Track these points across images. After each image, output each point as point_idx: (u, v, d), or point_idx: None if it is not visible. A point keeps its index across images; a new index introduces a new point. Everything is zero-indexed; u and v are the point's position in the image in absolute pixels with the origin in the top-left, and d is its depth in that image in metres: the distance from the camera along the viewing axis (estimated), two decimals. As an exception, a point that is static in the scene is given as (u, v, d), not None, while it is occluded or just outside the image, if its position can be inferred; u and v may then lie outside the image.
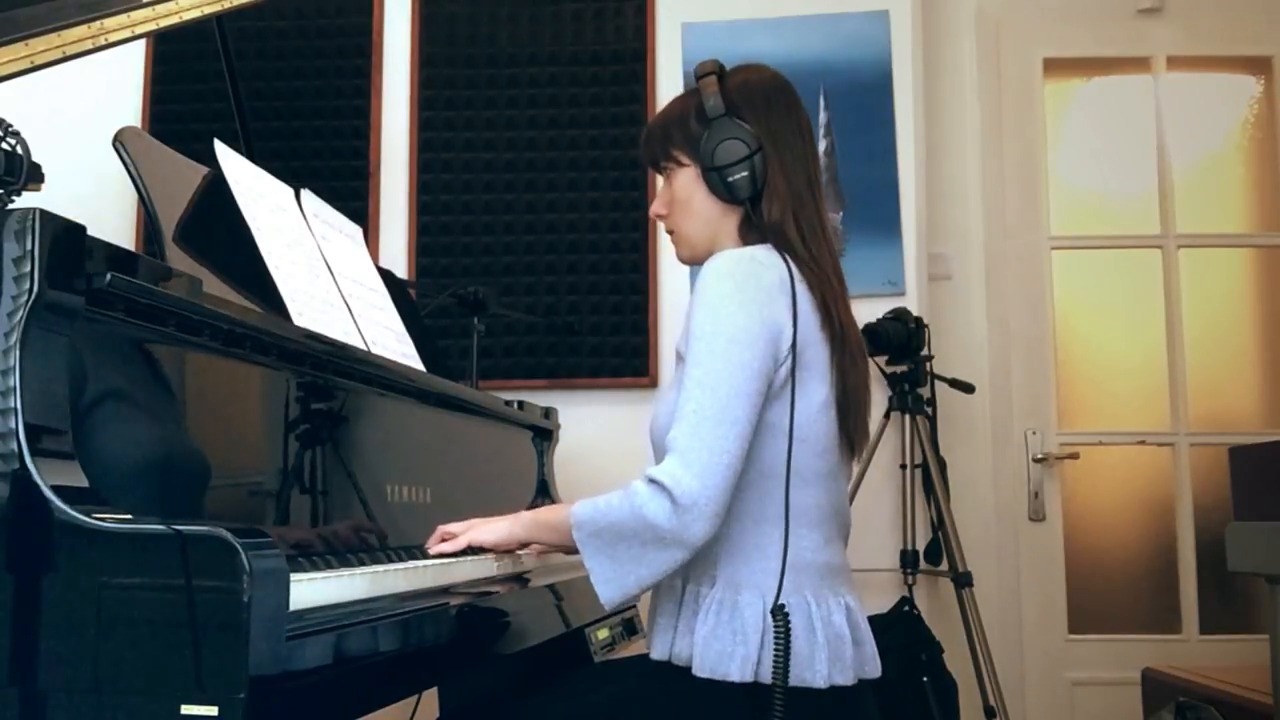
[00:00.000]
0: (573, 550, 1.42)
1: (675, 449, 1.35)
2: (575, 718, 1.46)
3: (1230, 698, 2.23)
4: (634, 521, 1.34)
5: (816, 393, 1.44)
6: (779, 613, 1.34)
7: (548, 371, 3.04)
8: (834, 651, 1.39)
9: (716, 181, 1.50)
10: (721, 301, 1.39)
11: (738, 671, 1.35)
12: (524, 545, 1.59)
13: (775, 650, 1.33)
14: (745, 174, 1.48)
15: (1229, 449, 2.14)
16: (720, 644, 1.37)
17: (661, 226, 1.65)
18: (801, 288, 1.43)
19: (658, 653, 1.47)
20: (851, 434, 1.49)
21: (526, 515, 1.54)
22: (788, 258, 1.45)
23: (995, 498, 3.17)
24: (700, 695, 1.38)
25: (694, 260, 1.57)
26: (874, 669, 1.46)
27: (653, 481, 1.34)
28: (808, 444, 1.43)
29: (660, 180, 1.62)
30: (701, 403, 1.35)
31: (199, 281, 1.27)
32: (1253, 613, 3.11)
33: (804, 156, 1.53)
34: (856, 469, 2.79)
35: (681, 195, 1.56)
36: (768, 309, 1.40)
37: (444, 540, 1.55)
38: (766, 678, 1.35)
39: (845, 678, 1.40)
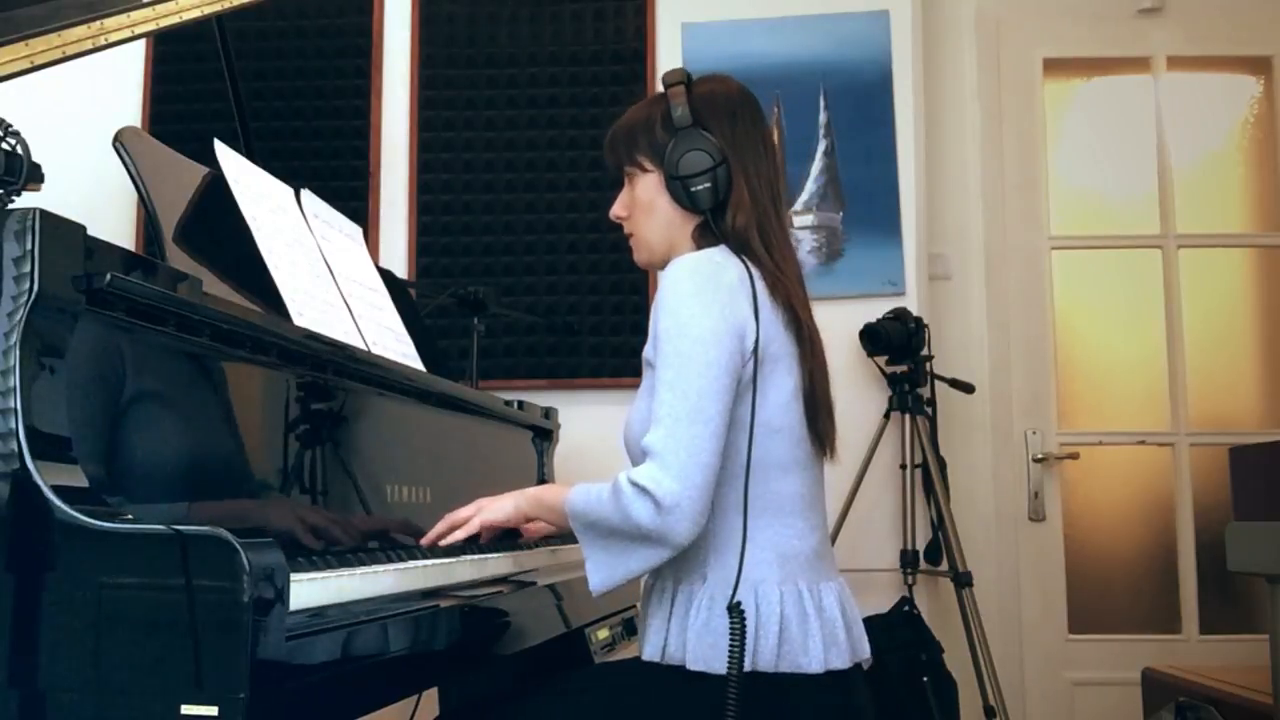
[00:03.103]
0: (569, 530, 1.47)
1: (653, 452, 1.37)
2: (573, 716, 1.46)
3: (1230, 698, 2.23)
4: (620, 520, 1.37)
5: (784, 384, 1.45)
6: (735, 610, 1.36)
7: (548, 371, 3.04)
8: (829, 636, 1.42)
9: (679, 190, 1.52)
10: (684, 303, 1.41)
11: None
12: (529, 520, 1.61)
13: (730, 645, 1.35)
14: (708, 184, 1.50)
15: (1229, 449, 2.14)
16: (714, 637, 1.39)
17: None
18: (762, 285, 1.46)
19: (649, 653, 1.48)
20: (821, 433, 1.50)
21: (530, 491, 1.59)
22: (746, 260, 1.47)
23: (995, 498, 3.17)
24: (695, 688, 1.39)
25: (650, 264, 1.61)
26: (865, 650, 1.49)
27: (634, 484, 1.36)
28: (783, 434, 1.45)
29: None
30: (674, 405, 1.38)
31: (199, 281, 1.27)
32: (1253, 613, 3.11)
33: (769, 169, 1.55)
34: (856, 469, 2.83)
35: (643, 200, 1.58)
36: (729, 307, 1.42)
37: (454, 528, 1.57)
38: (760, 667, 1.37)
39: (841, 661, 1.42)
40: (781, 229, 1.54)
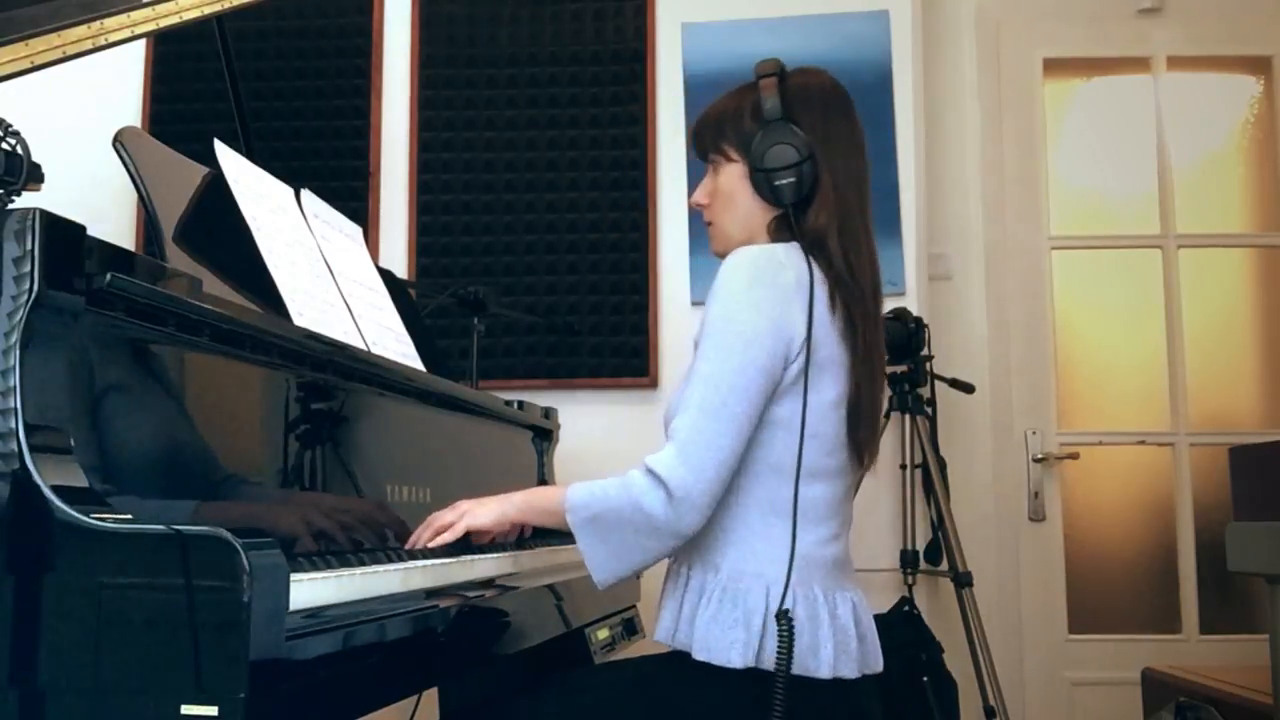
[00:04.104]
0: (563, 531, 1.45)
1: (674, 440, 1.39)
2: (576, 707, 1.46)
3: (1230, 698, 2.23)
4: (630, 510, 1.38)
5: (828, 391, 1.45)
6: (783, 617, 1.36)
7: (548, 371, 3.04)
8: (839, 644, 1.41)
9: (762, 182, 1.50)
10: (734, 298, 1.41)
11: (739, 658, 1.37)
12: (516, 526, 1.60)
13: (779, 651, 1.35)
14: (793, 180, 1.48)
15: (1229, 449, 2.14)
16: (722, 630, 1.39)
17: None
18: (821, 290, 1.44)
19: (661, 634, 1.49)
20: (861, 443, 1.49)
21: (518, 496, 1.55)
22: (813, 260, 1.45)
23: (995, 498, 3.17)
24: (701, 679, 1.40)
25: (726, 253, 1.55)
26: (877, 663, 1.48)
27: (650, 473, 1.37)
28: (817, 440, 1.45)
29: (708, 171, 1.61)
30: (704, 397, 1.38)
31: (199, 281, 1.27)
32: (1253, 613, 3.11)
33: (857, 168, 1.53)
34: (857, 469, 2.83)
35: (725, 190, 1.56)
36: (780, 307, 1.41)
37: (439, 532, 1.54)
38: (766, 664, 1.37)
39: (849, 671, 1.42)
40: (865, 232, 1.51)
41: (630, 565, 1.41)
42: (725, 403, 1.38)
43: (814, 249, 1.47)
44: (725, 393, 1.38)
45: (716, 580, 1.43)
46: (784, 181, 1.48)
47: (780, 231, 1.52)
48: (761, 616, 1.39)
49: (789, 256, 1.45)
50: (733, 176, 1.55)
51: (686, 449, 1.37)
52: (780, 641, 1.35)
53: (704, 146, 1.59)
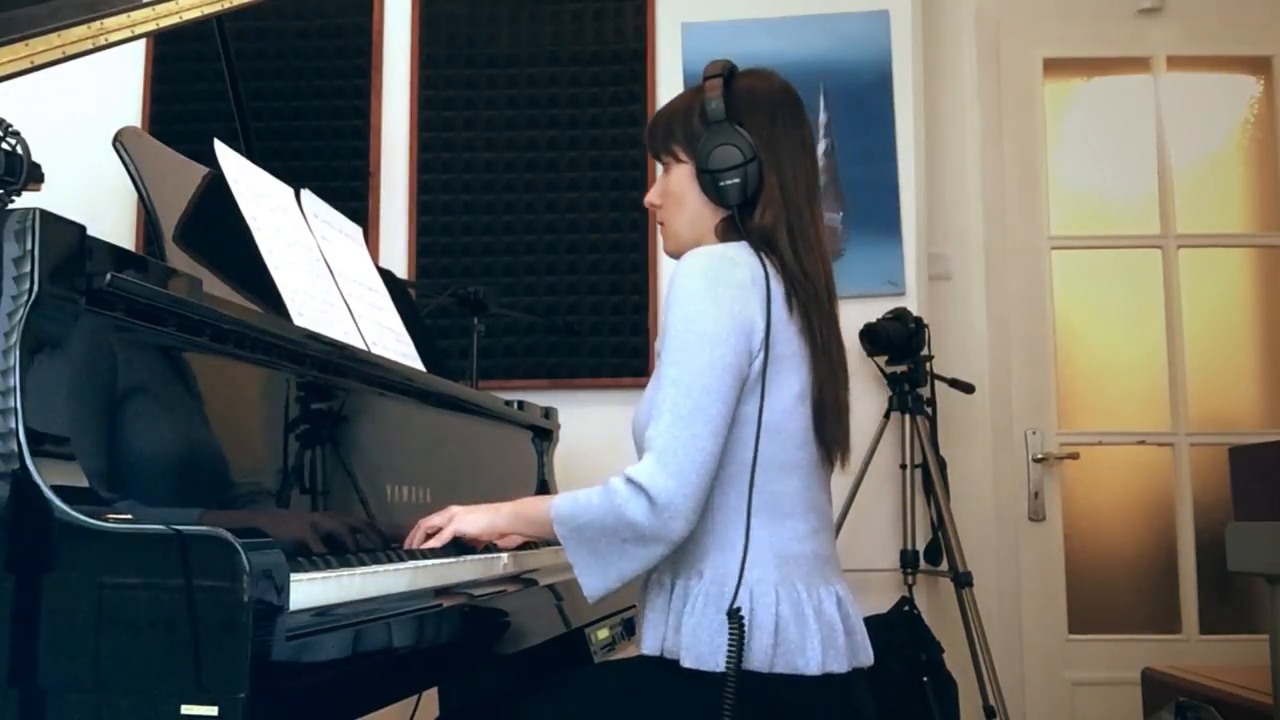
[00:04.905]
0: (553, 543, 1.45)
1: (652, 448, 1.37)
2: (573, 716, 1.46)
3: (1230, 698, 2.23)
4: (614, 520, 1.37)
5: (791, 384, 1.44)
6: (734, 615, 1.35)
7: (548, 371, 3.04)
8: (827, 640, 1.41)
9: (709, 183, 1.51)
10: (693, 299, 1.41)
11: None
12: (503, 536, 1.60)
13: (729, 650, 1.34)
14: (737, 181, 1.49)
15: (1229, 449, 2.14)
16: (709, 635, 1.39)
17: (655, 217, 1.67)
18: (776, 285, 1.45)
19: (649, 647, 1.48)
20: (829, 442, 1.49)
21: (507, 507, 1.55)
22: (765, 257, 1.46)
23: (995, 498, 3.17)
24: (691, 686, 1.39)
25: (678, 253, 1.58)
26: (867, 657, 1.48)
27: (631, 481, 1.36)
28: (785, 435, 1.44)
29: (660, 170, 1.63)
30: (676, 401, 1.38)
31: (199, 281, 1.27)
32: (1253, 613, 3.11)
33: (805, 170, 1.53)
34: (856, 469, 2.83)
35: (675, 190, 1.58)
36: (739, 305, 1.41)
37: (429, 535, 1.55)
38: (755, 667, 1.37)
39: (839, 665, 1.41)
40: (816, 231, 1.52)
41: (619, 575, 1.40)
42: (699, 404, 1.37)
43: (763, 247, 1.48)
44: (697, 394, 1.37)
45: (700, 585, 1.42)
46: (729, 183, 1.49)
47: (728, 232, 1.53)
48: (748, 620, 1.37)
49: (740, 254, 1.46)
50: (682, 177, 1.56)
51: (665, 455, 1.36)
52: (730, 641, 1.34)
53: (656, 146, 1.61)
